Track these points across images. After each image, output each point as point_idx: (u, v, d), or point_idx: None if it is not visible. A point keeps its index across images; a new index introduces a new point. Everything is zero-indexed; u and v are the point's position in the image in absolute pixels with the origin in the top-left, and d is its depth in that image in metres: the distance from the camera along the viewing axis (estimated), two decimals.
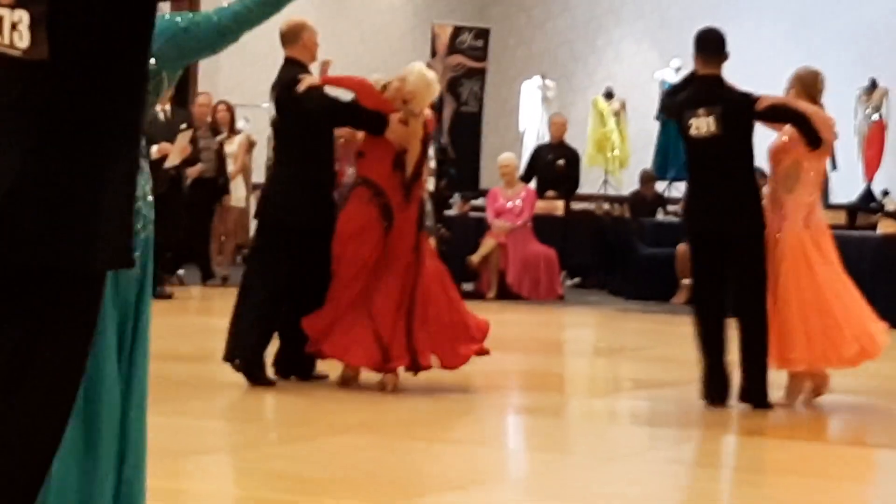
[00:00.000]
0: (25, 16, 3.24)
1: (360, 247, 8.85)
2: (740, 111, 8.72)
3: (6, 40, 3.26)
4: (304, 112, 8.99)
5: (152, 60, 3.52)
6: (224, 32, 4.30)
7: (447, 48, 22.17)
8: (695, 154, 8.96)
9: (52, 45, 3.24)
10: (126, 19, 3.29)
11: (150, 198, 4.24)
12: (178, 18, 4.22)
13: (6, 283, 3.29)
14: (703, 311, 8.89)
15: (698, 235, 9.01)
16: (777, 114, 8.77)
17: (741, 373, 8.72)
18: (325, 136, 9.17)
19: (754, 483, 7.07)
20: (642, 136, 21.43)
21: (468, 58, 22.39)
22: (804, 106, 8.69)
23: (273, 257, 9.03)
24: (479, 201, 18.33)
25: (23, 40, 3.24)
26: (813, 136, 8.60)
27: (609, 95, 21.91)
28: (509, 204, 16.54)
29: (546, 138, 19.81)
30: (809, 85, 8.89)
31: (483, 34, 22.61)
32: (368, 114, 8.93)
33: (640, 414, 8.99)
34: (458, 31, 22.40)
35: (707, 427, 8.49)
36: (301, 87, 8.91)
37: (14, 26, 3.25)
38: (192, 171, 15.56)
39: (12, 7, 3.25)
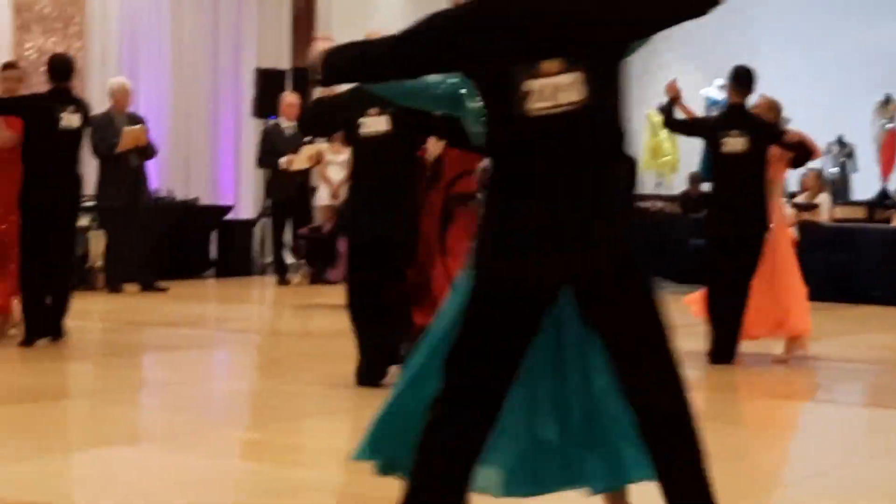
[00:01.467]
0: (577, 75, 3.41)
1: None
2: (764, 136, 9.16)
3: (561, 100, 3.41)
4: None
5: None
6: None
7: None
8: (724, 167, 9.24)
9: (591, 92, 3.42)
10: (615, 64, 3.51)
11: None
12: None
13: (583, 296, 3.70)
14: (721, 293, 9.27)
15: (719, 234, 9.25)
16: (796, 146, 9.26)
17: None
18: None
19: (727, 433, 7.02)
20: (690, 143, 21.21)
21: None
22: (810, 141, 9.28)
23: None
24: None
25: (574, 94, 3.41)
26: (802, 161, 9.35)
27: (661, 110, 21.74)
28: None
29: None
30: (765, 110, 9.43)
31: None
32: None
33: None
34: None
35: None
36: None
37: (561, 88, 3.41)
38: None
39: (561, 73, 3.41)
